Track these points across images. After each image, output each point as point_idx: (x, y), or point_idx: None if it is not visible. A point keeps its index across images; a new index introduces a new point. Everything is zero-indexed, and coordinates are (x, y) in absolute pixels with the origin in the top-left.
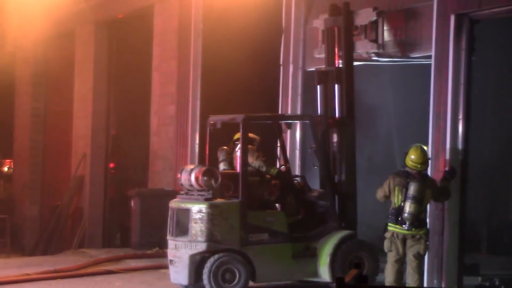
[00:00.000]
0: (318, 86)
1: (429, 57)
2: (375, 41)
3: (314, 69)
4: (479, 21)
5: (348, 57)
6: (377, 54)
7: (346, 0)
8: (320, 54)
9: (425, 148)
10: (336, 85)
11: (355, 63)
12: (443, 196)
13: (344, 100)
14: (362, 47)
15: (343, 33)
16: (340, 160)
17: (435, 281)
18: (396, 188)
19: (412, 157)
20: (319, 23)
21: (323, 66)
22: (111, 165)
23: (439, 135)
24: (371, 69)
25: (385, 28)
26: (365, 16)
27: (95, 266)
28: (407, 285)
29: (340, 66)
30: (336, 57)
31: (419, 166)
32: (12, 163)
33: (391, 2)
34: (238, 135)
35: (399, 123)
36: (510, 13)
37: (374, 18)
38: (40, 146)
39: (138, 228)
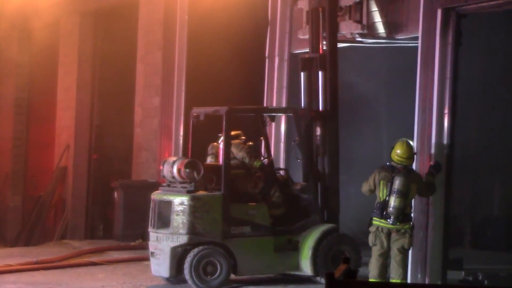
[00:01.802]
0: (302, 73)
1: (415, 38)
2: (359, 21)
3: (299, 51)
4: (466, 15)
5: (332, 38)
6: (362, 35)
7: None
8: (304, 35)
9: (411, 142)
10: (320, 72)
11: (340, 45)
12: (428, 191)
13: (328, 90)
14: (346, 27)
15: (327, 14)
16: (323, 153)
17: (419, 275)
18: (381, 182)
19: (398, 151)
20: (303, 4)
21: (307, 52)
22: (95, 156)
23: (424, 129)
24: (357, 53)
25: (370, 9)
26: None
27: (78, 258)
28: (391, 279)
29: (324, 52)
30: (320, 38)
31: (404, 160)
32: None
33: None
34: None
35: (387, 115)
36: (497, 7)
37: None
38: (23, 136)
39: (121, 220)
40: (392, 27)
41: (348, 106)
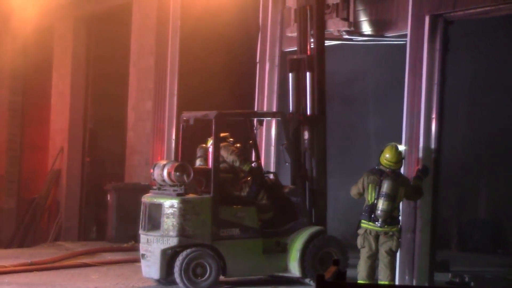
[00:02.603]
0: (291, 74)
1: (403, 36)
2: (346, 19)
3: (288, 50)
4: (453, 22)
5: (320, 36)
6: (348, 33)
7: None
8: (292, 33)
9: (400, 147)
10: (308, 73)
11: (328, 44)
12: (416, 194)
13: (315, 93)
14: (334, 25)
15: (315, 12)
16: (311, 157)
17: (406, 277)
18: (370, 186)
19: (387, 156)
20: (292, 3)
21: (295, 53)
22: (88, 159)
23: (412, 133)
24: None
25: (356, 7)
26: None
27: (71, 259)
28: (379, 281)
29: (312, 53)
30: (308, 38)
31: (393, 165)
32: None
33: None
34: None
35: (375, 117)
36: (484, 14)
37: None
38: (17, 139)
39: (114, 222)
40: (380, 25)
41: (335, 109)
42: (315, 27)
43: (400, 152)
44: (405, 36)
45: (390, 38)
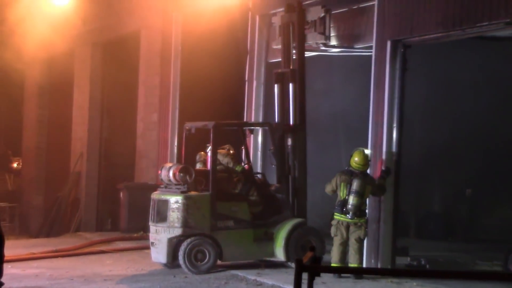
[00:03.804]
0: (276, 85)
1: (371, 47)
2: (323, 33)
3: (273, 60)
4: (411, 46)
5: (301, 49)
6: (325, 45)
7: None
8: (277, 45)
9: (366, 151)
10: (290, 84)
11: (308, 55)
12: (380, 191)
13: (297, 105)
14: (312, 38)
15: (296, 27)
16: (294, 160)
17: (372, 261)
18: (342, 184)
19: (356, 159)
20: (276, 20)
21: (280, 67)
22: (104, 162)
23: (377, 139)
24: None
25: (332, 23)
26: (315, 13)
27: (90, 247)
28: (349, 264)
29: (294, 68)
30: (291, 53)
31: (361, 167)
32: (20, 161)
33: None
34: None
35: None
36: (436, 39)
37: (322, 14)
38: (44, 146)
39: (126, 215)
40: (351, 38)
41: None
42: (296, 40)
43: (366, 156)
44: (371, 47)
45: (360, 49)
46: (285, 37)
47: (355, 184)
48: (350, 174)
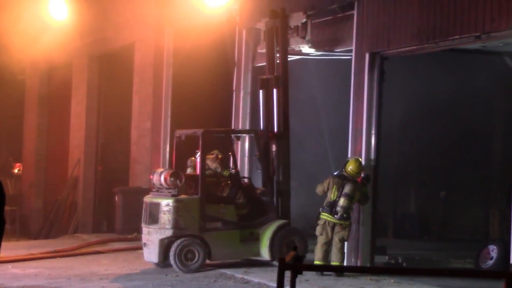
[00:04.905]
0: (261, 91)
1: (350, 51)
2: (304, 38)
3: (259, 64)
4: (388, 58)
5: (284, 51)
6: (306, 48)
7: (283, 6)
8: (262, 49)
9: (360, 160)
10: (274, 90)
11: (291, 58)
12: (365, 200)
13: (281, 112)
14: (295, 42)
15: (280, 32)
16: (278, 165)
17: (352, 259)
18: (334, 187)
19: (351, 167)
20: (261, 25)
21: (265, 74)
22: (100, 168)
23: (356, 146)
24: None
25: (313, 28)
26: (297, 18)
27: (87, 248)
28: (332, 262)
29: (278, 74)
30: (274, 54)
31: (355, 174)
32: (21, 166)
33: (320, 5)
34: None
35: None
36: (411, 52)
37: (304, 20)
38: (43, 152)
39: (121, 218)
40: (332, 42)
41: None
42: (280, 45)
43: (361, 164)
44: (351, 51)
45: (340, 53)
46: (269, 42)
47: (347, 188)
48: (343, 179)
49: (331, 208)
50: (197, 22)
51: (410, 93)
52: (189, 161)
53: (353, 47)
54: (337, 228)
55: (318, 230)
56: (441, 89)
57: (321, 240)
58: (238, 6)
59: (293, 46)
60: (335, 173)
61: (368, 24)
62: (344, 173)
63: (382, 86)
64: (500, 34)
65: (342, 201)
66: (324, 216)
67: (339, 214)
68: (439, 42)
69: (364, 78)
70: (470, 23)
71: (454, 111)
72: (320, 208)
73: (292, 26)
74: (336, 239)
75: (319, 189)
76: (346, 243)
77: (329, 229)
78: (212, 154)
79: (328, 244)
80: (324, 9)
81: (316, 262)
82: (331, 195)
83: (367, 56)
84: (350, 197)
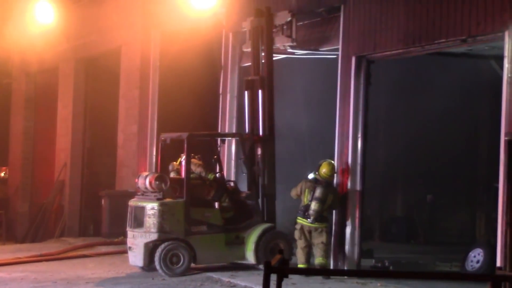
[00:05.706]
0: (246, 92)
1: (336, 50)
2: (289, 36)
3: (245, 64)
4: (374, 61)
5: (269, 50)
6: (292, 47)
7: (268, 5)
8: (247, 48)
9: (333, 163)
10: (259, 91)
11: (275, 58)
12: (336, 204)
13: (266, 115)
14: (280, 41)
15: (265, 31)
16: (263, 168)
17: (339, 262)
18: (306, 190)
19: (324, 170)
20: (246, 25)
21: (250, 75)
22: (86, 171)
23: (343, 149)
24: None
25: (298, 26)
26: (282, 17)
27: (73, 251)
28: (316, 260)
29: (263, 75)
30: (259, 54)
31: (328, 177)
32: (7, 170)
33: (307, 8)
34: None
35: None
36: (398, 55)
37: (289, 18)
38: (30, 156)
39: (107, 221)
40: (317, 41)
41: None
42: (265, 43)
43: (334, 167)
44: (337, 50)
45: (325, 52)
46: (255, 41)
47: (318, 192)
48: (315, 182)
49: (305, 211)
50: (183, 26)
51: (396, 96)
52: (170, 166)
53: (339, 51)
54: (313, 233)
55: (296, 234)
56: (428, 93)
57: (300, 244)
58: (225, 10)
59: (278, 45)
60: (308, 177)
61: (354, 27)
62: (317, 177)
63: (369, 89)
64: (486, 38)
65: (313, 205)
66: (299, 220)
67: (311, 217)
68: (425, 45)
69: (351, 81)
70: (456, 26)
71: (441, 115)
72: (297, 213)
73: (277, 25)
74: (316, 243)
75: (293, 193)
76: (331, 245)
77: (306, 233)
78: (194, 158)
79: (308, 247)
80: (310, 12)
81: (300, 266)
82: (304, 199)
83: (353, 59)
84: (321, 201)
